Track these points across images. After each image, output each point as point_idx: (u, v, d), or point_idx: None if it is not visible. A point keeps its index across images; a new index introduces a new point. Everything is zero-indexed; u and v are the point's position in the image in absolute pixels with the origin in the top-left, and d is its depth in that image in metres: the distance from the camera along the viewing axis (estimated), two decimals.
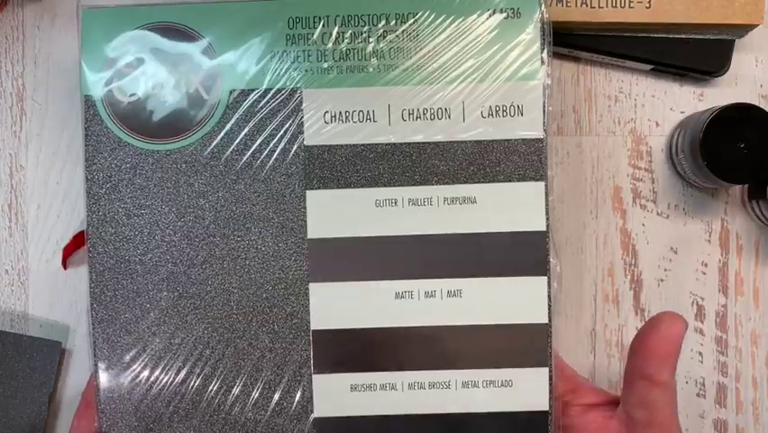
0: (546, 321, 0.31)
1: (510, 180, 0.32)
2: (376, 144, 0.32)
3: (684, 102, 0.39)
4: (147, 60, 0.32)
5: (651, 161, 0.39)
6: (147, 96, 0.32)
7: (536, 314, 0.32)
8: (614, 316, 0.39)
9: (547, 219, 0.31)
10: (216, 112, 0.32)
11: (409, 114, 0.32)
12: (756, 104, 0.35)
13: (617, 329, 0.39)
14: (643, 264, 0.39)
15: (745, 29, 0.36)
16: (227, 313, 0.32)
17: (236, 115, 0.32)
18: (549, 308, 0.31)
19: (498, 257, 0.32)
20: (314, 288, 0.32)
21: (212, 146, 0.32)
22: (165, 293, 0.32)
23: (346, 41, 0.32)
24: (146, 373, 0.32)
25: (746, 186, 0.39)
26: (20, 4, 0.39)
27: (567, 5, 0.35)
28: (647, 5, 0.35)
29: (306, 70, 0.32)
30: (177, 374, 0.32)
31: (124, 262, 0.32)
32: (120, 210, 0.32)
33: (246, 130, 0.32)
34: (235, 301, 0.32)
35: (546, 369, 0.31)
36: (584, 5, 0.35)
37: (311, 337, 0.32)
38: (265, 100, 0.32)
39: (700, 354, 0.39)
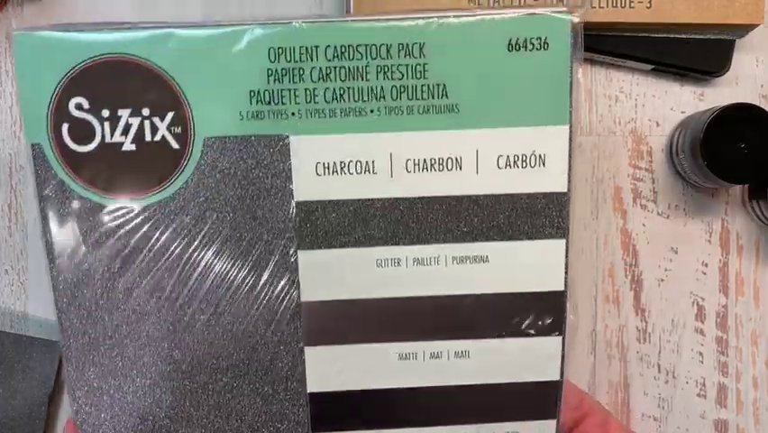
0: (558, 378, 0.29)
1: (528, 239, 0.28)
2: (376, 200, 0.28)
3: (685, 102, 0.39)
4: (102, 102, 0.27)
5: (651, 161, 0.39)
6: (106, 146, 0.27)
7: (548, 372, 0.29)
8: (614, 316, 0.39)
9: (566, 277, 0.29)
10: (189, 164, 0.27)
11: (414, 164, 0.28)
12: (757, 104, 0.35)
13: (617, 330, 0.39)
14: (643, 264, 0.39)
15: (745, 29, 0.36)
16: (216, 378, 0.29)
17: (214, 167, 0.27)
18: (562, 366, 0.29)
19: (510, 318, 0.29)
20: (309, 351, 0.29)
21: (187, 203, 0.28)
22: (146, 358, 0.29)
23: (340, 77, 0.27)
24: None
25: (747, 186, 0.39)
26: (20, 3, 0.39)
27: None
28: (648, 5, 0.35)
29: (293, 113, 0.27)
30: None
31: (100, 332, 0.29)
32: (89, 275, 0.28)
33: (226, 184, 0.28)
34: (224, 366, 0.29)
35: (554, 421, 0.30)
36: None
37: (307, 399, 0.29)
38: (246, 149, 0.27)
39: (701, 354, 0.39)
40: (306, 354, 0.29)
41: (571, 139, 0.27)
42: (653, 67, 0.38)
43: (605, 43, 0.37)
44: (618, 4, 0.35)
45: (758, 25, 0.36)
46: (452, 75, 0.27)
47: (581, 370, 0.39)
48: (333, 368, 0.29)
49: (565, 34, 0.27)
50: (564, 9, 0.27)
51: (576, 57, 0.27)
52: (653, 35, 0.37)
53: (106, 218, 0.28)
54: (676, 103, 0.39)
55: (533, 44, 0.27)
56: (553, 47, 0.27)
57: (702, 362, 0.39)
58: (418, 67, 0.27)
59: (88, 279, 0.28)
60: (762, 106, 0.35)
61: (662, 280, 0.39)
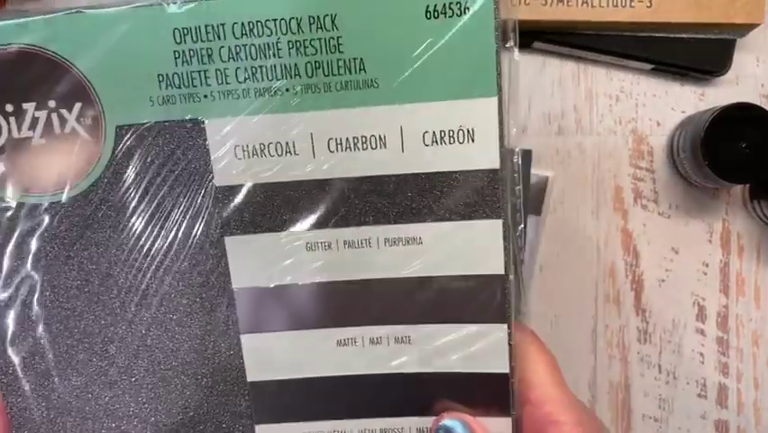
0: (506, 371, 0.28)
1: (462, 219, 0.27)
2: (301, 182, 0.27)
3: (685, 102, 0.39)
4: (5, 95, 0.26)
5: (652, 160, 0.39)
6: (15, 142, 0.26)
7: (495, 364, 0.27)
8: (615, 316, 0.39)
9: (506, 261, 0.27)
10: (103, 155, 0.26)
11: (337, 144, 0.26)
12: (758, 103, 0.35)
13: (618, 330, 0.39)
14: (644, 265, 0.39)
15: (746, 28, 0.36)
16: (154, 371, 0.28)
17: (129, 156, 0.26)
18: (511, 359, 0.27)
19: (450, 303, 0.27)
20: (245, 339, 0.28)
21: (107, 195, 0.27)
22: (81, 356, 0.28)
23: (250, 55, 0.26)
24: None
25: (747, 186, 0.39)
26: (19, 3, 0.39)
27: (567, 5, 0.35)
28: (648, 5, 0.35)
29: (206, 96, 0.26)
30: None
31: (30, 331, 0.28)
32: (14, 274, 0.27)
33: (145, 173, 0.27)
34: (161, 358, 0.28)
35: (509, 419, 0.28)
36: (584, 5, 0.35)
37: (247, 389, 0.28)
38: (162, 136, 0.26)
39: (702, 354, 0.39)
40: (243, 342, 0.28)
41: (500, 112, 0.26)
42: (653, 67, 0.38)
43: (605, 43, 0.37)
44: (618, 4, 0.35)
45: (758, 25, 0.36)
46: (369, 48, 0.25)
47: (582, 370, 0.39)
48: (272, 356, 0.28)
49: None
50: None
51: (502, 22, 0.25)
52: (653, 35, 0.37)
53: (26, 216, 0.27)
54: (676, 103, 0.39)
55: (452, 9, 0.25)
56: (474, 11, 0.25)
57: (703, 362, 0.39)
58: (332, 41, 0.25)
59: (14, 278, 0.28)
60: (762, 106, 0.35)
61: (663, 280, 0.39)
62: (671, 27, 0.36)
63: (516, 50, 0.26)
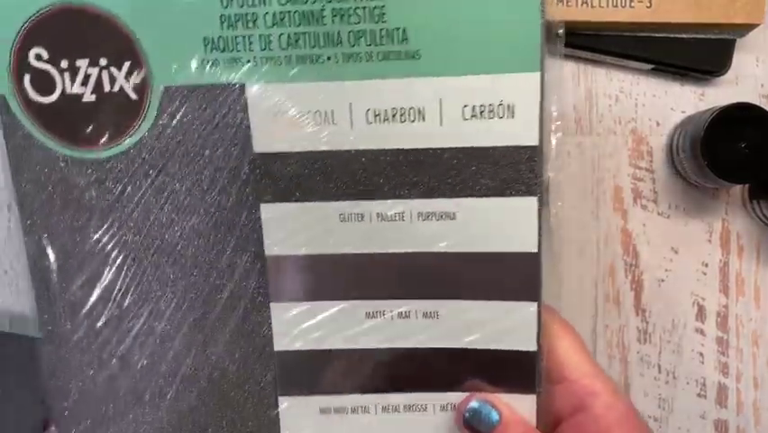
0: (534, 349, 0.28)
1: (497, 195, 0.27)
2: (337, 152, 0.27)
3: (685, 102, 0.39)
4: (60, 52, 0.27)
5: (652, 160, 0.39)
6: (67, 97, 0.27)
7: (524, 342, 0.28)
8: (615, 316, 0.39)
9: (540, 240, 0.27)
10: (148, 114, 0.27)
11: (375, 115, 0.26)
12: (757, 103, 0.35)
13: (617, 330, 0.39)
14: (643, 265, 0.39)
15: (745, 28, 0.36)
16: (184, 332, 0.29)
17: (173, 117, 0.27)
18: (539, 337, 0.28)
19: (480, 280, 0.27)
20: (275, 307, 0.28)
21: (149, 153, 0.27)
22: (113, 312, 0.29)
23: (294, 22, 0.26)
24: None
25: (747, 186, 0.39)
26: None
27: (567, 5, 0.35)
28: (648, 5, 0.35)
29: (249, 61, 0.26)
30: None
31: (70, 286, 0.29)
32: (58, 226, 0.28)
33: (187, 135, 0.27)
34: (191, 321, 0.29)
35: (533, 396, 0.28)
36: (584, 5, 0.35)
37: (275, 359, 0.29)
38: (205, 98, 0.27)
39: (701, 354, 0.39)
40: (272, 310, 0.28)
41: (542, 88, 0.26)
42: (653, 67, 0.38)
43: (605, 43, 0.37)
44: (618, 4, 0.35)
45: (758, 25, 0.36)
46: (412, 18, 0.25)
47: None
48: (300, 326, 0.28)
49: None
50: None
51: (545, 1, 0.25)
52: (653, 35, 0.37)
53: (74, 169, 0.28)
54: (676, 103, 0.39)
55: None
56: None
57: (703, 362, 0.39)
58: (376, 10, 0.25)
59: (58, 230, 0.28)
60: (762, 106, 0.35)
61: (663, 280, 0.39)
62: (670, 27, 0.36)
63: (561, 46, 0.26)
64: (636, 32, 0.37)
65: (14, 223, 0.39)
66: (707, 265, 0.39)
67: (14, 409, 0.37)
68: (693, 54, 0.37)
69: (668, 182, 0.39)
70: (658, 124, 0.39)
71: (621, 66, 0.39)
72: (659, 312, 0.39)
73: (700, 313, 0.39)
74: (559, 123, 0.39)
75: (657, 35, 0.37)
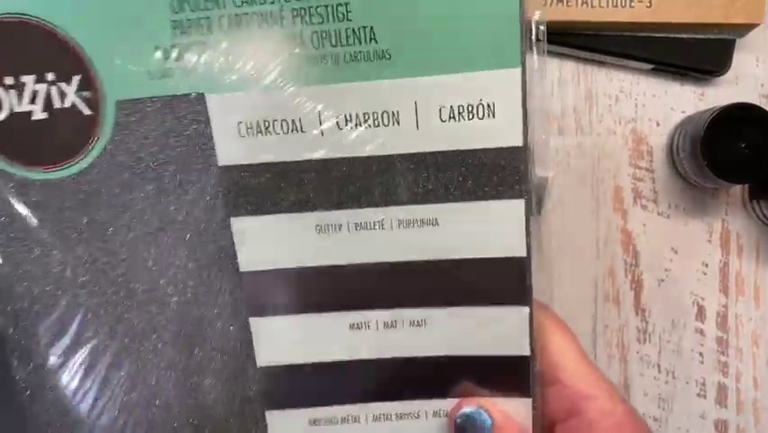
0: (527, 353, 0.27)
1: (480, 199, 0.25)
2: (308, 161, 0.25)
3: (685, 102, 0.39)
4: (3, 68, 0.25)
5: (652, 160, 0.39)
6: (16, 116, 0.25)
7: (516, 346, 0.27)
8: (614, 316, 0.39)
9: (528, 243, 0.26)
10: (104, 129, 0.25)
11: (346, 120, 0.25)
12: (757, 103, 0.35)
13: (617, 330, 0.39)
14: (643, 265, 0.39)
15: (745, 28, 0.36)
16: (161, 351, 0.27)
17: (131, 133, 0.25)
18: (531, 340, 0.27)
19: (468, 286, 0.26)
20: (254, 322, 0.27)
21: (109, 170, 0.26)
22: (89, 333, 0.27)
23: (252, 24, 0.24)
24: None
25: (747, 186, 0.39)
26: None
27: (567, 5, 0.35)
28: (648, 5, 0.35)
29: (207, 69, 0.24)
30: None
31: (41, 306, 0.27)
32: (16, 254, 0.26)
33: (146, 150, 0.25)
34: (168, 340, 0.27)
35: (529, 400, 0.27)
36: (584, 5, 0.35)
37: (259, 374, 0.28)
38: (162, 111, 0.25)
39: (701, 354, 0.39)
40: (252, 325, 0.27)
41: (524, 85, 0.24)
42: (653, 67, 0.38)
43: (605, 43, 0.37)
44: (618, 4, 0.35)
45: (758, 25, 0.36)
46: (379, 15, 0.24)
47: None
48: (282, 340, 0.27)
49: None
50: None
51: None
52: (653, 35, 0.37)
53: (30, 192, 0.26)
54: (676, 102, 0.39)
55: None
56: None
57: (702, 362, 0.39)
58: (339, 8, 0.24)
59: (12, 256, 0.27)
60: (762, 106, 0.35)
61: (663, 280, 0.39)
62: (670, 27, 0.36)
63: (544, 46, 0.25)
64: (636, 32, 0.37)
65: None
66: (707, 265, 0.39)
67: (17, 408, 0.37)
68: (693, 54, 0.37)
69: (668, 182, 0.39)
70: (658, 124, 0.39)
71: (621, 66, 0.39)
72: (659, 312, 0.39)
73: (700, 313, 0.39)
74: (553, 123, 0.39)
75: (657, 35, 0.37)
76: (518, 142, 0.25)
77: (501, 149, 0.25)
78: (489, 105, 0.24)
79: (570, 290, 0.39)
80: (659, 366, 0.39)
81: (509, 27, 0.24)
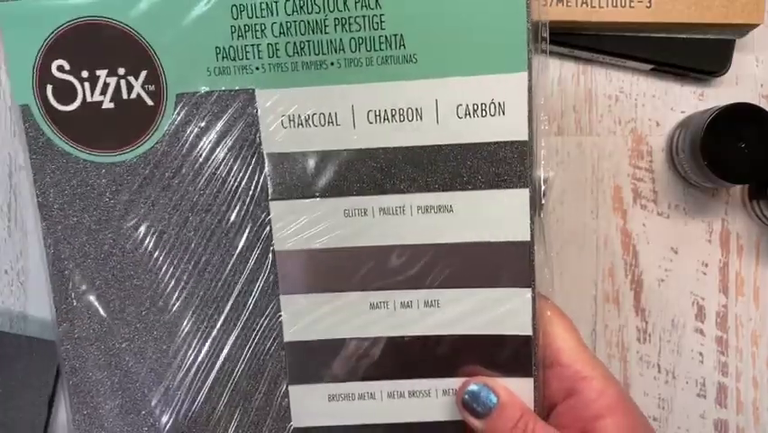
0: (530, 333, 0.29)
1: (491, 188, 0.28)
2: (341, 151, 0.29)
3: (685, 102, 0.39)
4: (81, 63, 0.29)
5: (651, 160, 0.39)
6: (87, 105, 0.29)
7: (519, 327, 0.29)
8: (614, 316, 0.39)
9: (532, 229, 0.29)
10: (164, 119, 0.29)
11: (376, 115, 0.28)
12: (757, 104, 0.35)
13: (617, 330, 0.39)
14: (643, 264, 0.39)
15: (745, 28, 0.36)
16: (202, 328, 0.30)
17: (187, 122, 0.29)
18: (534, 321, 0.29)
19: (477, 268, 0.29)
20: (284, 300, 0.30)
21: (164, 156, 0.29)
22: (131, 309, 0.30)
23: (300, 31, 0.28)
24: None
25: (747, 186, 0.39)
26: None
27: (567, 5, 0.35)
28: (648, 5, 0.35)
29: (258, 68, 0.28)
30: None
31: (88, 280, 0.30)
32: (77, 229, 0.30)
33: (200, 138, 0.29)
34: (204, 318, 0.30)
35: (531, 379, 0.29)
36: (584, 5, 0.35)
37: (285, 350, 0.30)
38: (217, 104, 0.29)
39: (701, 354, 0.39)
40: (282, 303, 0.30)
41: (530, 87, 0.27)
42: (653, 67, 0.38)
43: (605, 43, 0.37)
44: (618, 4, 0.35)
45: (758, 25, 0.36)
46: (409, 25, 0.27)
47: None
48: (308, 317, 0.30)
49: None
50: None
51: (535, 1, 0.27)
52: (653, 35, 0.37)
53: (93, 174, 0.29)
54: (676, 103, 0.39)
55: None
56: None
57: (702, 362, 0.39)
58: (375, 18, 0.27)
59: (77, 232, 0.30)
60: (762, 106, 0.35)
61: (663, 280, 0.39)
62: (670, 27, 0.36)
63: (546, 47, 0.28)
64: (636, 32, 0.37)
65: (15, 223, 0.39)
66: (706, 265, 0.39)
67: (17, 408, 0.37)
68: (693, 54, 0.37)
69: (668, 182, 0.39)
70: (658, 124, 0.39)
71: (621, 66, 0.39)
72: (659, 312, 0.39)
73: (700, 313, 0.39)
74: (552, 122, 0.39)
75: (657, 35, 0.37)
76: (524, 137, 0.28)
77: (510, 142, 0.28)
78: (499, 104, 0.28)
79: (570, 289, 0.39)
80: (659, 366, 0.39)
81: (518, 36, 0.27)
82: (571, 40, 0.37)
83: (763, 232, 0.39)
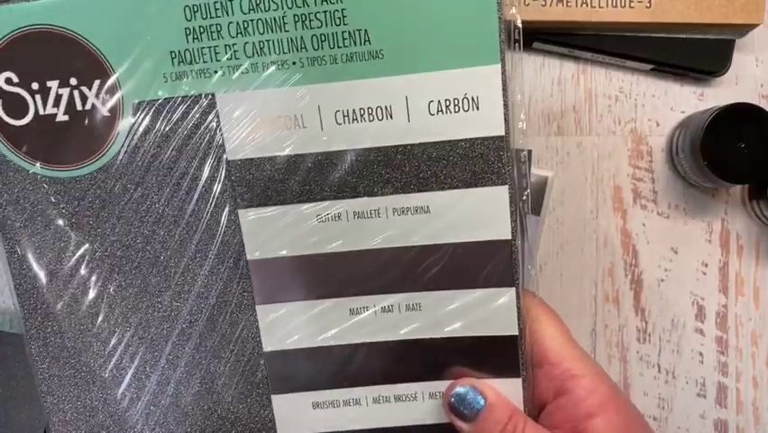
0: (516, 333, 0.28)
1: (468, 186, 0.27)
2: (310, 154, 0.27)
3: (684, 102, 0.39)
4: (30, 75, 0.27)
5: (651, 160, 0.39)
6: (40, 118, 0.27)
7: (505, 327, 0.28)
8: (614, 316, 0.39)
9: (513, 227, 0.27)
10: (122, 130, 0.27)
11: (344, 116, 0.27)
12: (757, 103, 0.35)
13: (617, 329, 0.39)
14: (643, 264, 0.39)
15: (745, 29, 0.36)
16: (174, 341, 0.29)
17: (146, 131, 0.27)
18: (519, 321, 0.28)
19: (458, 269, 0.28)
20: (260, 310, 0.29)
21: (125, 168, 0.28)
22: (104, 325, 0.29)
23: (258, 30, 0.26)
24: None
25: (747, 186, 0.39)
26: None
27: (567, 5, 0.35)
28: (647, 5, 0.35)
29: (217, 71, 0.27)
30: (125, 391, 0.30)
31: (54, 304, 0.29)
32: (42, 246, 0.29)
33: (161, 147, 0.28)
34: (180, 330, 0.29)
35: (519, 380, 0.29)
36: (584, 5, 0.35)
37: (264, 359, 0.29)
38: (176, 110, 0.27)
39: (701, 354, 0.39)
40: (258, 312, 0.29)
41: (504, 79, 0.26)
42: (652, 67, 0.38)
43: (605, 43, 0.37)
44: (618, 4, 0.35)
45: (758, 25, 0.36)
46: (372, 19, 0.26)
47: None
48: (286, 327, 0.29)
49: None
50: None
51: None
52: (653, 35, 0.37)
53: (52, 189, 0.28)
54: (676, 103, 0.39)
55: None
56: None
57: (702, 362, 0.39)
58: (336, 13, 0.26)
59: (41, 249, 0.29)
60: (762, 106, 0.35)
61: (662, 280, 0.39)
62: (670, 27, 0.36)
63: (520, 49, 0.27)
64: (636, 32, 0.37)
65: None
66: (706, 265, 0.39)
67: (17, 408, 0.37)
68: (693, 54, 0.37)
69: (668, 182, 0.39)
70: (658, 124, 0.39)
71: (621, 66, 0.39)
72: (658, 312, 0.39)
73: (700, 313, 0.39)
74: (554, 121, 0.39)
75: (657, 35, 0.37)
76: (500, 132, 0.27)
77: (485, 138, 0.27)
78: (473, 99, 0.27)
79: (570, 289, 0.39)
80: (659, 366, 0.39)
81: (489, 26, 0.26)
82: (571, 40, 0.37)
83: (763, 232, 0.39)
